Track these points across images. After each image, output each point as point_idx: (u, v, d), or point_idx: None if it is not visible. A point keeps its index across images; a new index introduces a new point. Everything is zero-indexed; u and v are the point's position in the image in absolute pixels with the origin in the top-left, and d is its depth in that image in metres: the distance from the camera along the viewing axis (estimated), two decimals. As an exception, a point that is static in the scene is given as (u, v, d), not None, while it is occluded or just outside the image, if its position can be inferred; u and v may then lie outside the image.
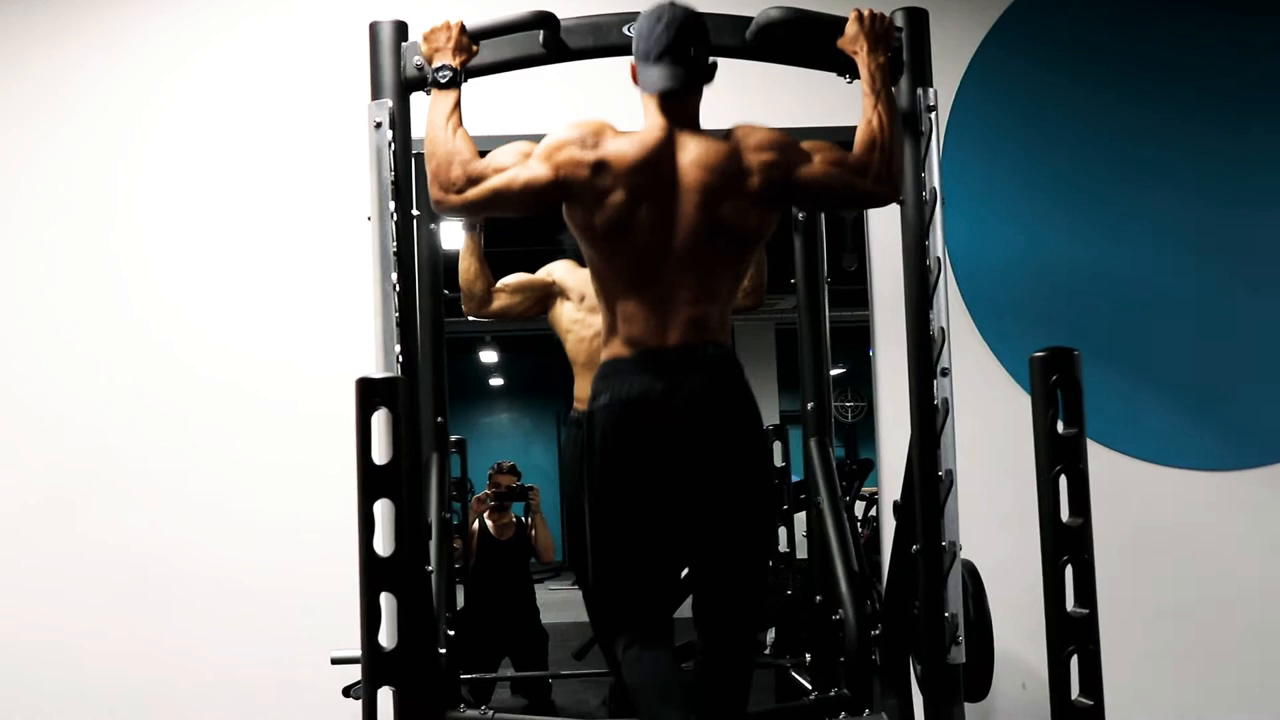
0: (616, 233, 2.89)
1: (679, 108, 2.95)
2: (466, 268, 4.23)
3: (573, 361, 4.29)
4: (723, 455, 2.88)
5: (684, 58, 2.91)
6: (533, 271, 4.29)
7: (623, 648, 2.92)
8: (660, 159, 2.90)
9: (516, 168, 2.91)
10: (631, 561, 2.92)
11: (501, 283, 4.28)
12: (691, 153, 2.91)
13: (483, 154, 2.97)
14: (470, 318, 4.31)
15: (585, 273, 3.85)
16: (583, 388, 4.28)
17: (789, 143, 2.99)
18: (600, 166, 2.87)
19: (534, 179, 2.90)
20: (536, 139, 3.93)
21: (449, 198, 2.93)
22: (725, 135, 2.97)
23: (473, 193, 2.91)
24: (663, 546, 2.92)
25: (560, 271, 4.28)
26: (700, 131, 2.96)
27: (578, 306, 4.21)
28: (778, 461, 4.31)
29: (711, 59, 2.99)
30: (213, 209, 4.30)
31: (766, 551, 3.00)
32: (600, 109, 4.08)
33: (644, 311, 2.89)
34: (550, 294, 4.33)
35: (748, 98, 4.12)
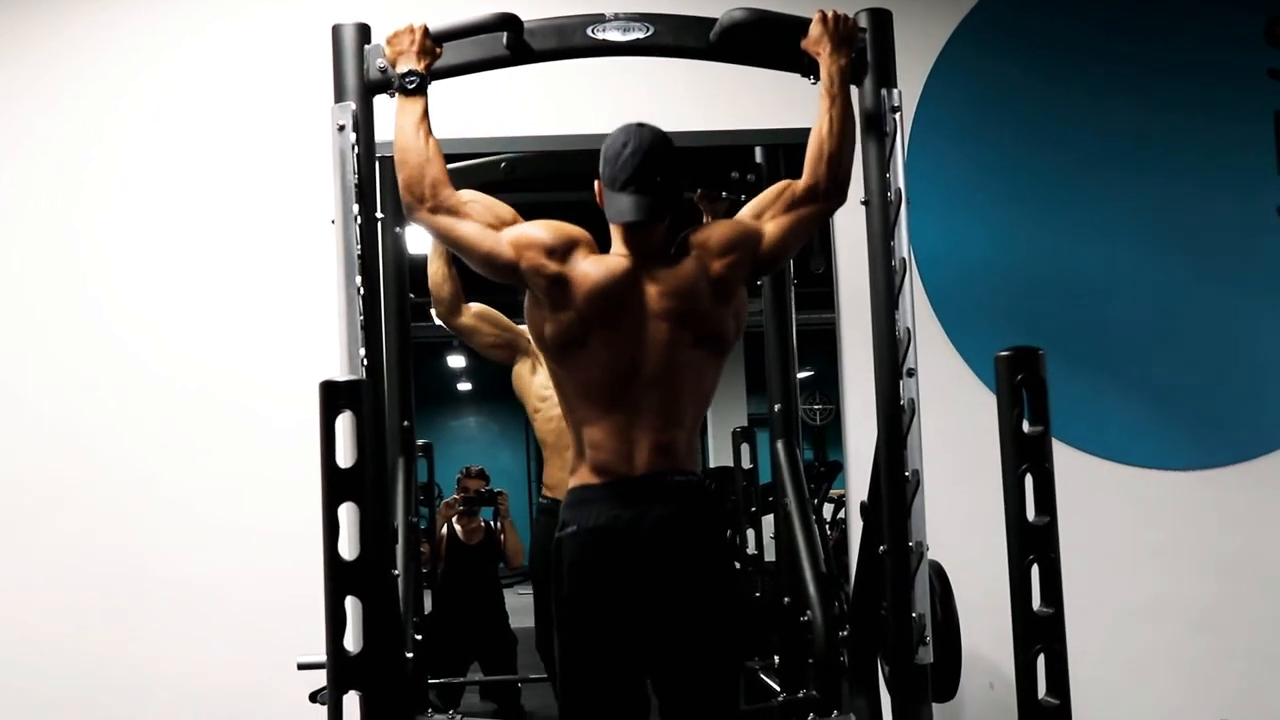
0: (568, 348, 2.89)
1: (645, 237, 2.93)
2: (434, 271, 4.24)
3: (541, 442, 4.31)
4: (689, 584, 2.86)
5: (650, 187, 2.89)
6: (506, 297, 4.30)
7: None
8: (626, 290, 2.88)
9: (486, 231, 2.92)
10: (600, 689, 2.88)
11: (477, 308, 4.28)
12: (659, 281, 2.90)
13: (448, 159, 2.98)
14: (439, 323, 4.31)
15: None
16: (551, 473, 4.30)
17: (744, 230, 3.00)
18: (560, 281, 2.87)
19: (496, 253, 2.90)
20: (503, 145, 3.95)
21: (418, 211, 2.95)
22: (684, 249, 2.96)
23: (440, 221, 2.93)
24: (631, 674, 2.89)
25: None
26: (664, 257, 2.94)
27: (549, 379, 4.22)
28: (745, 464, 4.32)
29: (678, 183, 2.97)
30: (178, 213, 4.27)
31: (735, 677, 2.98)
32: (565, 109, 4.12)
33: (611, 438, 2.88)
34: (517, 348, 4.32)
35: (714, 98, 4.16)
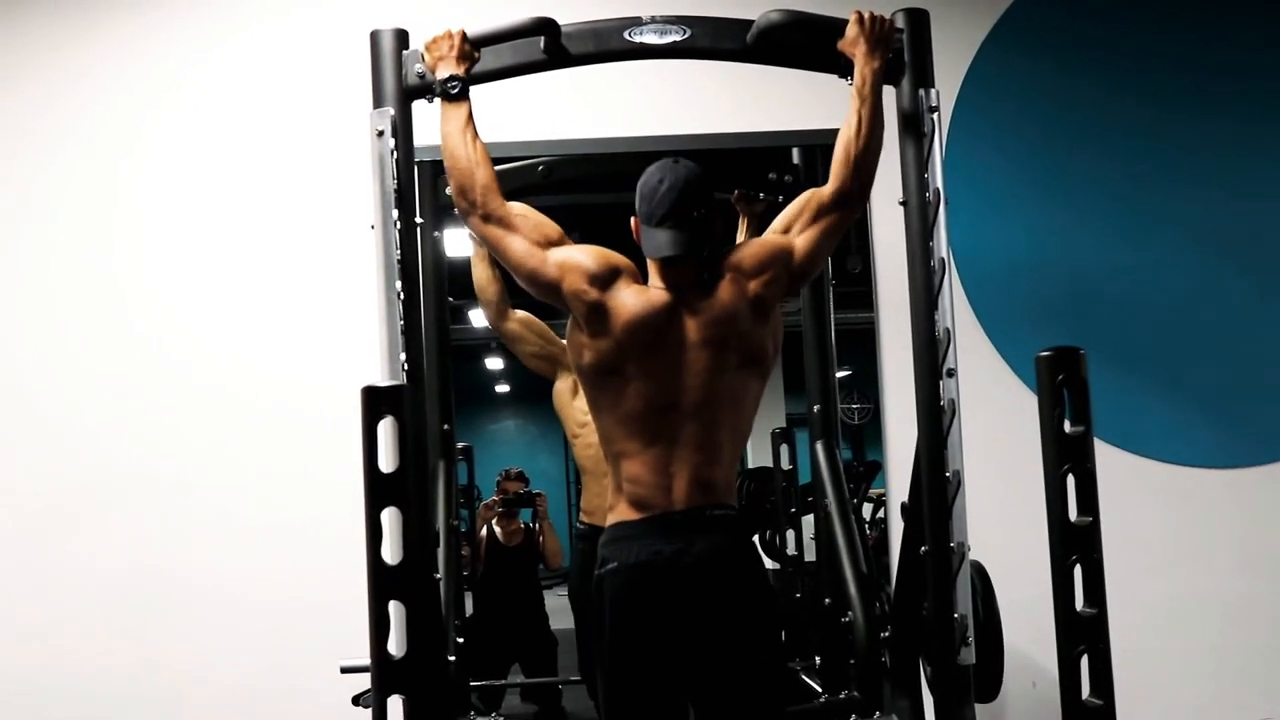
0: (603, 375, 2.89)
1: (681, 271, 2.93)
2: (479, 274, 4.27)
3: (580, 468, 4.32)
4: (731, 618, 2.84)
5: (686, 222, 2.89)
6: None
7: None
8: (664, 323, 2.88)
9: (533, 249, 2.93)
10: None
11: (523, 315, 4.29)
12: (698, 313, 2.90)
13: (497, 163, 2.99)
14: (483, 326, 4.33)
15: None
16: (589, 499, 4.31)
17: (776, 247, 2.99)
18: (599, 309, 2.87)
19: (541, 272, 2.92)
20: (541, 148, 3.96)
21: (471, 217, 2.97)
22: (719, 275, 2.94)
23: (491, 231, 2.95)
24: (673, 709, 2.89)
25: None
26: (701, 287, 2.93)
27: (587, 409, 4.22)
28: (784, 464, 4.32)
29: (714, 217, 2.97)
30: (216, 218, 4.30)
31: (778, 710, 2.98)
32: (602, 113, 4.13)
33: (649, 472, 2.87)
34: (560, 362, 4.34)
35: (751, 99, 4.16)
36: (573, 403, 4.35)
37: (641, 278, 2.94)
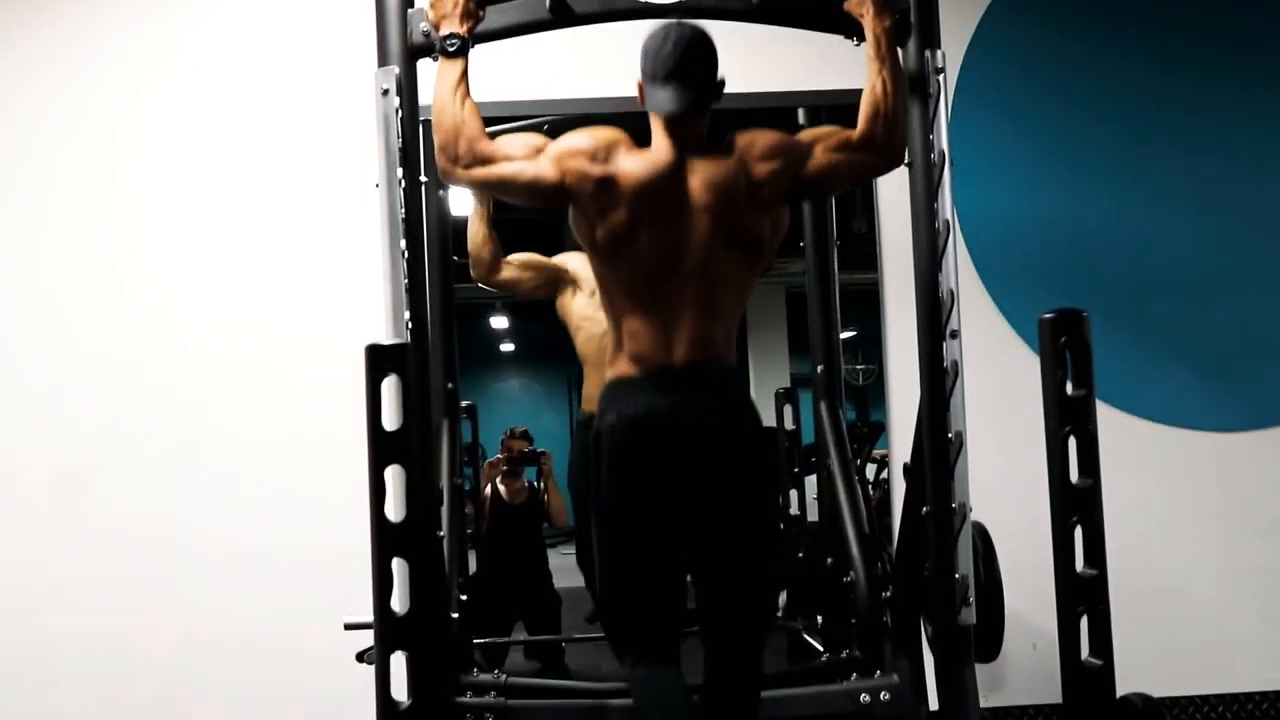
0: (618, 248, 2.89)
1: (686, 129, 2.93)
2: (475, 233, 4.25)
3: (583, 359, 4.31)
4: (728, 473, 2.88)
5: (691, 79, 2.89)
6: (543, 247, 4.31)
7: (630, 665, 2.94)
8: (669, 182, 2.89)
9: (524, 162, 2.92)
10: (639, 579, 2.92)
11: (514, 257, 4.30)
12: (701, 174, 2.90)
13: (489, 122, 2.98)
14: (479, 284, 4.33)
15: None
16: (592, 386, 4.31)
17: (791, 143, 3.00)
18: (606, 183, 2.87)
19: (540, 178, 2.91)
20: (545, 107, 3.94)
21: (455, 171, 2.94)
22: (729, 148, 2.96)
23: (478, 173, 2.93)
24: (670, 564, 2.92)
25: (575, 263, 4.30)
26: (706, 151, 2.95)
27: (589, 300, 4.23)
28: (788, 425, 4.32)
29: (720, 77, 2.96)
30: (218, 179, 4.31)
31: (770, 569, 3.00)
32: (606, 73, 4.11)
33: (650, 329, 2.89)
34: (561, 280, 4.35)
35: (757, 60, 4.13)
36: (573, 302, 4.35)
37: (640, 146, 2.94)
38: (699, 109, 2.92)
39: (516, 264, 4.35)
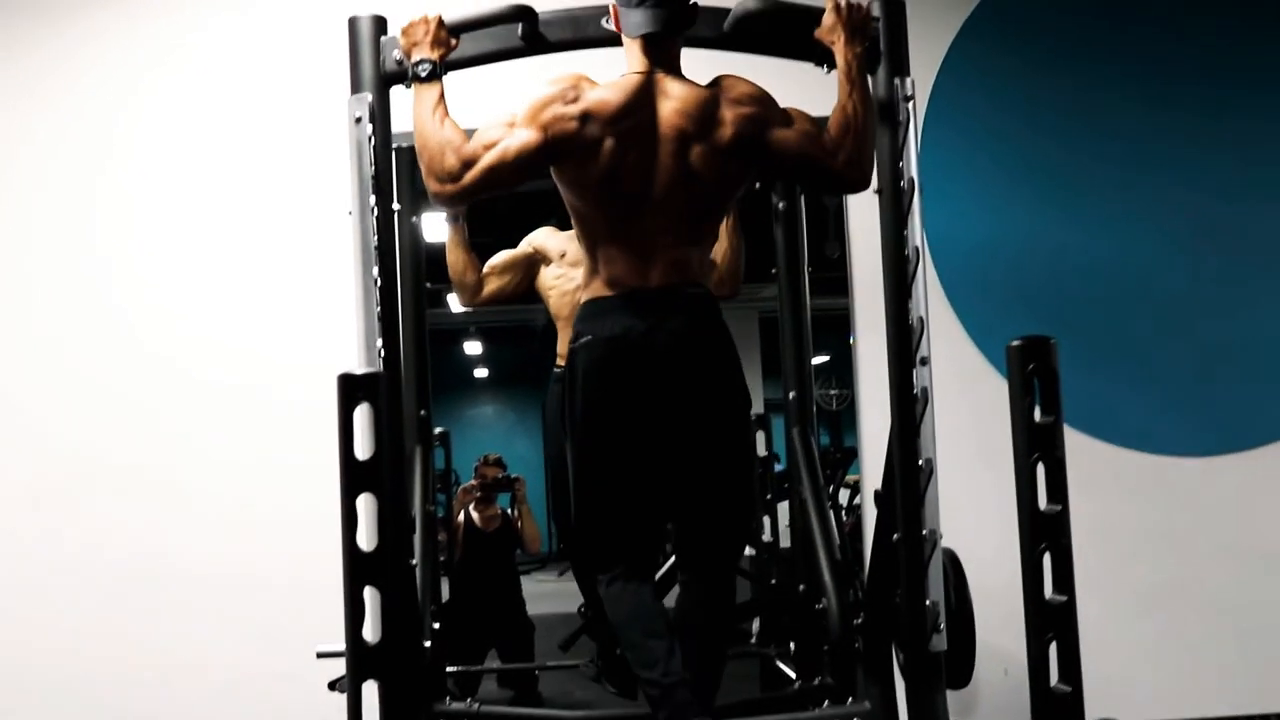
0: (608, 181, 2.92)
1: (661, 51, 2.97)
2: (455, 260, 4.27)
3: (556, 317, 4.31)
4: (703, 393, 2.91)
5: (666, 1, 2.93)
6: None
7: (606, 583, 2.96)
8: (641, 104, 2.92)
9: (505, 140, 2.92)
10: (613, 498, 2.95)
11: (488, 266, 4.32)
12: (671, 98, 2.94)
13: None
14: (466, 308, 4.34)
15: (565, 233, 3.92)
16: (564, 344, 4.30)
17: (770, 101, 3.02)
18: (586, 118, 2.90)
19: (526, 145, 2.91)
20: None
21: (447, 187, 2.94)
22: (710, 84, 2.99)
23: (469, 176, 2.92)
24: (644, 482, 2.95)
25: (540, 238, 4.33)
26: (682, 77, 2.99)
27: (559, 264, 4.26)
28: (761, 451, 4.33)
29: (694, 8, 3.00)
30: (195, 205, 4.30)
31: (747, 485, 3.03)
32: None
33: (626, 253, 2.92)
34: (534, 266, 4.36)
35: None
36: (544, 273, 4.36)
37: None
38: (674, 30, 2.97)
39: (496, 272, 4.35)
